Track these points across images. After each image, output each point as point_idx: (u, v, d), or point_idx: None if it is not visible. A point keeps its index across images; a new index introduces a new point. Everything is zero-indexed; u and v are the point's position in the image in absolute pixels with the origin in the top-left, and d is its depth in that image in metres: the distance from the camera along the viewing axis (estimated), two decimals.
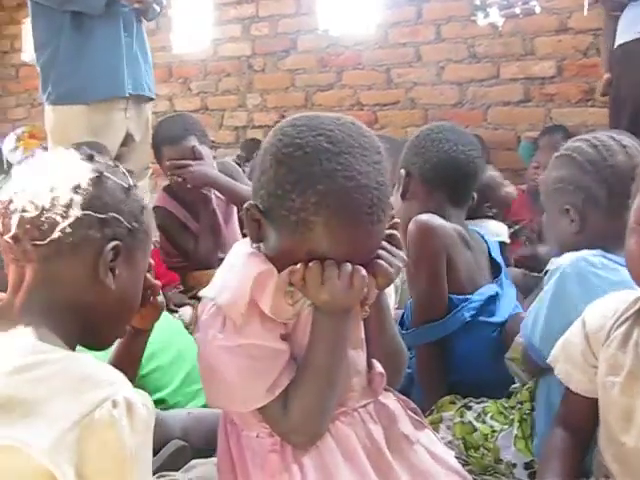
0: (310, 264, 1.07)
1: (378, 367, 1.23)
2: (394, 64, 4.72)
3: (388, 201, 1.11)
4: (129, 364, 1.28)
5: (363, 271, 1.07)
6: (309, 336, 1.14)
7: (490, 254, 1.98)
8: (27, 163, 1.09)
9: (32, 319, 0.98)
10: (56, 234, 0.98)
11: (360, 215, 1.06)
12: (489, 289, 1.87)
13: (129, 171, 1.14)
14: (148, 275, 1.21)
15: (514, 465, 1.59)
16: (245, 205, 1.13)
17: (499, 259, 1.99)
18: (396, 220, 1.17)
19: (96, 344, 1.13)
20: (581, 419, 1.28)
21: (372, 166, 1.08)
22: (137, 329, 1.27)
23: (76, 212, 0.99)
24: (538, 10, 4.29)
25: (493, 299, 1.86)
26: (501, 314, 1.87)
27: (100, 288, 1.03)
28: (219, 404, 1.20)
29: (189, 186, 2.70)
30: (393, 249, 1.13)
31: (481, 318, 1.83)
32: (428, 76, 4.62)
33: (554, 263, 1.48)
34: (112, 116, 3.01)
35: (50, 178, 1.01)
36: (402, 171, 1.97)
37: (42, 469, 0.84)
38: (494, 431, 1.63)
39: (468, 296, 1.82)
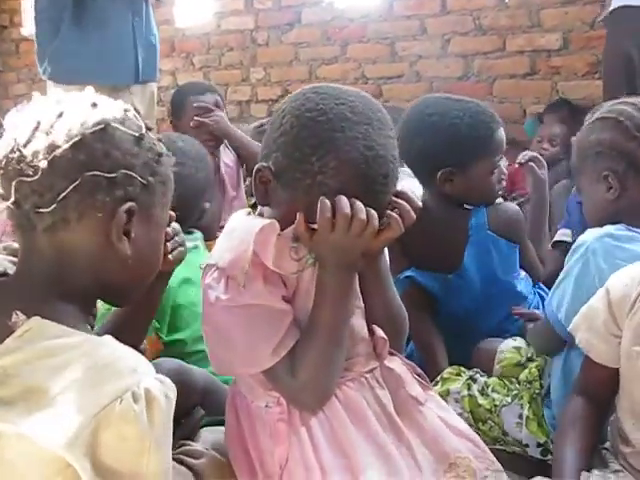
0: (322, 200, 1.06)
1: (379, 332, 1.25)
2: (399, 37, 4.67)
3: (398, 174, 1.15)
4: (147, 307, 1.27)
5: (375, 216, 1.07)
6: (314, 295, 1.14)
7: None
8: (21, 111, 0.96)
9: (46, 292, 0.92)
10: (60, 200, 0.87)
11: (375, 184, 1.09)
12: None
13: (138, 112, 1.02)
14: (169, 228, 1.17)
15: (526, 445, 1.60)
16: (256, 166, 1.13)
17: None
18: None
19: (118, 304, 1.11)
20: (600, 388, 1.28)
21: (388, 139, 1.12)
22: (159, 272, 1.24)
23: (80, 173, 0.88)
24: None
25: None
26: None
27: (116, 255, 0.94)
28: (225, 369, 1.21)
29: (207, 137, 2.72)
30: (404, 203, 1.13)
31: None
32: (433, 49, 4.57)
33: (578, 240, 1.46)
34: (116, 92, 2.98)
35: (49, 134, 0.89)
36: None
37: (59, 457, 0.82)
38: (496, 405, 1.64)
39: None
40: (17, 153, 0.89)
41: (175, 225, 1.22)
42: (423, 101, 1.95)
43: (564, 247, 2.14)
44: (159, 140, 1.02)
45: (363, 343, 1.23)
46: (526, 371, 1.67)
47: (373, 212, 1.07)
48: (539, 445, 1.58)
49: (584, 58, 4.16)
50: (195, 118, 2.75)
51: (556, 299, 1.47)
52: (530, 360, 1.70)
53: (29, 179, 0.87)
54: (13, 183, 0.88)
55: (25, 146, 0.89)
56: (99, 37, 2.88)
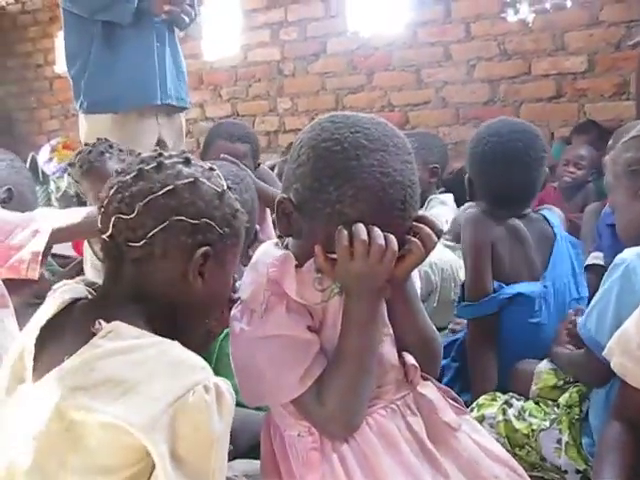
0: (339, 230, 1.08)
1: (410, 359, 1.24)
2: (424, 64, 4.70)
3: (418, 199, 1.15)
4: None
5: (394, 241, 1.08)
6: (341, 323, 1.14)
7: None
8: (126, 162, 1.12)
9: (126, 310, 1.02)
10: (149, 237, 1.01)
11: (393, 210, 1.09)
12: (527, 288, 1.90)
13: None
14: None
15: (565, 472, 1.57)
16: (277, 198, 1.15)
17: (560, 255, 2.00)
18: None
19: (186, 343, 1.16)
20: (638, 412, 1.26)
21: (405, 165, 1.11)
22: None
23: (169, 217, 1.01)
24: (569, 4, 4.25)
25: (532, 299, 1.89)
26: (540, 315, 1.91)
27: (189, 289, 1.05)
28: (253, 400, 1.21)
29: None
30: (426, 228, 1.13)
31: (523, 318, 1.89)
32: (458, 75, 4.60)
33: (616, 259, 1.44)
34: (144, 123, 3.05)
35: (149, 179, 1.04)
36: (466, 177, 2.07)
37: (138, 445, 0.90)
38: (533, 430, 1.62)
39: (504, 285, 1.91)
40: (120, 194, 1.03)
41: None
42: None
43: (596, 270, 2.13)
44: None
45: (393, 370, 1.23)
46: (566, 395, 1.64)
47: (392, 237, 1.07)
48: (578, 472, 1.56)
49: (610, 79, 4.15)
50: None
51: (594, 322, 1.45)
52: (567, 383, 1.68)
53: (126, 217, 1.02)
54: (112, 218, 1.03)
55: (127, 188, 1.04)
56: (125, 66, 2.97)
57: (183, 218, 1.02)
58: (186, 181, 1.04)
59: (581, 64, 4.24)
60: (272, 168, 3.62)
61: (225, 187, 1.10)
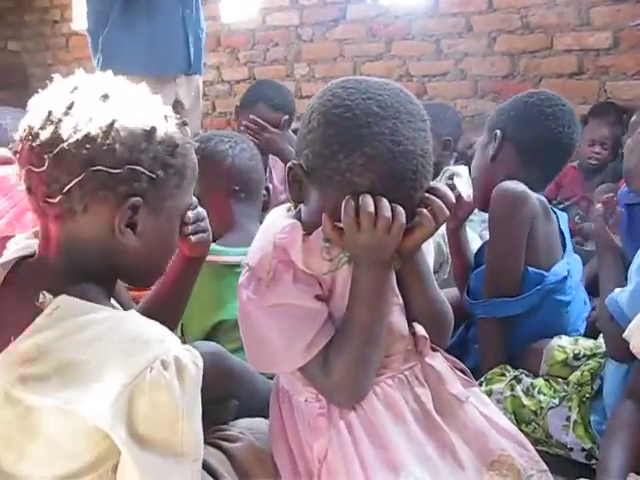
0: (346, 200, 1.05)
1: (420, 330, 1.23)
2: (444, 34, 4.63)
3: (431, 169, 1.12)
4: (180, 292, 1.31)
5: (402, 213, 1.06)
6: (349, 294, 1.13)
7: (560, 226, 1.94)
8: (41, 95, 0.96)
9: (67, 273, 0.94)
10: (65, 193, 0.89)
11: (404, 180, 1.07)
12: (562, 269, 1.84)
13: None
14: (192, 213, 1.19)
15: (571, 449, 1.57)
16: (288, 164, 1.13)
17: (567, 231, 1.96)
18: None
19: (137, 286, 1.14)
20: None
21: (418, 133, 1.09)
22: (188, 258, 1.28)
23: (84, 169, 0.89)
24: None
25: (565, 278, 1.83)
26: (570, 292, 1.86)
27: (123, 246, 0.96)
28: (260, 367, 1.22)
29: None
30: (438, 200, 1.11)
31: (554, 296, 1.81)
32: (479, 47, 4.53)
33: None
34: (162, 83, 3.01)
35: (57, 127, 0.90)
36: (498, 132, 1.90)
37: (96, 429, 0.85)
38: (542, 407, 1.61)
39: (544, 273, 1.79)
40: (29, 142, 0.91)
41: (200, 210, 1.24)
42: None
43: None
44: (181, 125, 1.02)
45: (403, 340, 1.22)
46: (578, 373, 1.63)
47: (400, 209, 1.05)
48: (583, 450, 1.55)
49: (634, 57, 4.07)
50: (245, 125, 2.75)
51: (626, 301, 1.41)
52: (577, 359, 1.67)
53: (37, 170, 0.89)
54: (24, 171, 0.92)
55: (36, 136, 0.91)
56: (149, 27, 2.92)
57: (101, 168, 0.89)
58: (102, 124, 0.90)
59: (605, 40, 4.16)
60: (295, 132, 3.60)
61: (157, 122, 0.96)
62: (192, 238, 1.22)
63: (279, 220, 1.20)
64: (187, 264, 1.30)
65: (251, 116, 2.76)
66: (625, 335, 1.27)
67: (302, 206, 1.19)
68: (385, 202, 1.05)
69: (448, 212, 1.11)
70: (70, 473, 0.89)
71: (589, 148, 3.53)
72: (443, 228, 2.17)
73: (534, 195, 1.79)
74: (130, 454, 0.85)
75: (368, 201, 1.04)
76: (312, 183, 1.11)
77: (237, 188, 1.77)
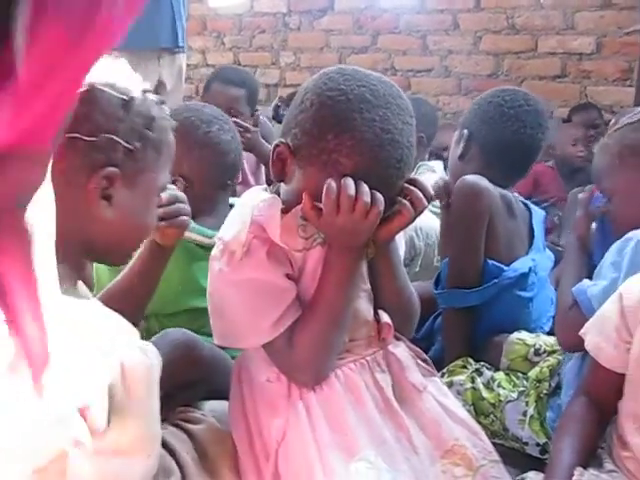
0: (328, 182, 1.07)
1: (385, 317, 1.25)
2: (431, 30, 4.65)
3: (412, 162, 1.15)
4: (147, 281, 1.29)
5: (380, 199, 1.08)
6: (320, 274, 1.15)
7: (531, 223, 1.97)
8: None
9: None
10: None
11: (388, 168, 1.10)
12: (523, 265, 1.86)
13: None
14: (167, 194, 1.18)
15: (525, 443, 1.60)
16: (275, 142, 1.15)
17: (538, 228, 1.98)
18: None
19: (109, 264, 1.11)
20: (605, 392, 1.26)
21: (406, 125, 1.12)
22: (158, 245, 1.27)
23: (59, 136, 0.88)
24: None
25: (526, 274, 1.86)
26: (533, 289, 1.88)
27: (99, 219, 0.93)
28: (224, 341, 1.22)
29: None
30: (417, 191, 1.14)
31: (514, 291, 1.84)
32: (464, 45, 4.55)
33: (626, 236, 1.41)
34: (145, 62, 2.99)
35: None
36: (465, 132, 1.94)
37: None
38: (500, 400, 1.64)
39: (504, 267, 1.82)
40: None
41: (177, 193, 1.24)
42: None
43: None
44: (159, 103, 1.00)
45: (367, 326, 1.25)
46: (537, 369, 1.66)
47: (379, 195, 1.08)
48: (538, 445, 1.59)
49: (616, 64, 4.12)
50: None
51: (600, 293, 1.41)
52: (537, 354, 1.70)
53: None
54: None
55: None
56: None
57: (76, 135, 0.87)
58: (80, 89, 0.88)
59: (589, 45, 4.20)
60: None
61: (134, 94, 0.94)
62: (168, 222, 1.21)
63: (257, 196, 1.21)
64: (156, 253, 1.28)
65: (233, 119, 2.75)
66: (581, 332, 1.30)
67: (282, 185, 1.20)
68: (365, 187, 1.07)
69: (426, 203, 1.15)
70: None
71: (573, 148, 3.53)
72: (417, 222, 2.20)
73: (498, 191, 1.81)
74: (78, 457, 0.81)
75: (350, 184, 1.06)
76: (297, 162, 1.13)
77: (229, 182, 1.76)
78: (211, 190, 1.71)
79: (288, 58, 5.19)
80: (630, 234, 1.40)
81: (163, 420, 1.24)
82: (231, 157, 1.74)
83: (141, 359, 0.86)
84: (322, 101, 1.11)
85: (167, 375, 1.25)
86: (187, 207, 1.27)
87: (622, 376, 1.22)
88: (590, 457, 1.23)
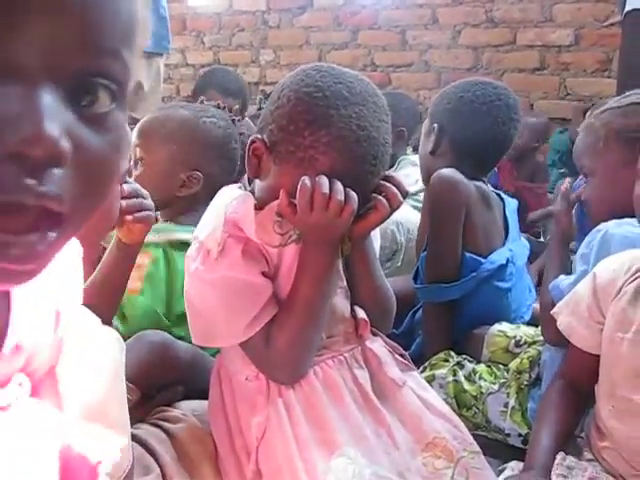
0: (302, 180, 1.08)
1: (362, 313, 1.26)
2: (410, 25, 4.66)
3: (388, 160, 1.16)
4: (117, 280, 1.29)
5: (354, 197, 1.09)
6: (295, 271, 1.15)
7: (504, 213, 1.96)
8: None
9: None
10: None
11: (364, 164, 1.11)
12: (502, 256, 1.86)
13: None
14: (128, 186, 1.19)
15: (508, 434, 1.60)
16: (250, 138, 1.15)
17: (512, 218, 1.98)
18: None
19: None
20: (581, 374, 1.27)
21: (381, 123, 1.13)
22: (125, 244, 1.27)
23: None
24: None
25: (504, 265, 1.86)
26: (511, 279, 1.88)
27: None
28: (202, 340, 1.22)
29: None
30: (392, 187, 1.15)
31: (493, 283, 1.83)
32: (444, 39, 4.57)
33: (598, 227, 1.41)
34: None
35: None
36: (435, 126, 1.92)
37: None
38: (482, 392, 1.65)
39: (481, 259, 1.81)
40: None
41: (137, 186, 1.24)
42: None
43: None
44: None
45: (344, 322, 1.25)
46: (517, 360, 1.67)
47: (353, 194, 1.08)
48: (520, 435, 1.59)
49: (594, 55, 4.15)
50: None
51: (572, 283, 1.43)
52: (518, 346, 1.71)
53: None
54: None
55: None
56: None
57: None
58: None
59: (567, 37, 4.22)
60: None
61: None
62: (133, 216, 1.22)
63: (230, 194, 1.21)
64: (122, 252, 1.28)
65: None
66: (553, 312, 1.31)
67: (256, 182, 1.20)
68: (340, 185, 1.08)
69: (402, 199, 1.16)
70: None
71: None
72: (397, 217, 2.20)
73: (472, 183, 1.82)
74: None
75: (324, 182, 1.07)
76: (273, 158, 1.14)
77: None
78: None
79: (268, 56, 5.19)
80: (600, 226, 1.41)
81: (141, 420, 1.25)
82: (237, 163, 1.73)
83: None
84: (299, 97, 1.11)
85: (145, 376, 1.25)
86: (150, 202, 1.26)
87: (597, 357, 1.22)
88: (569, 442, 1.24)
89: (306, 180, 1.07)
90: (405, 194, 1.18)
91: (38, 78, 0.43)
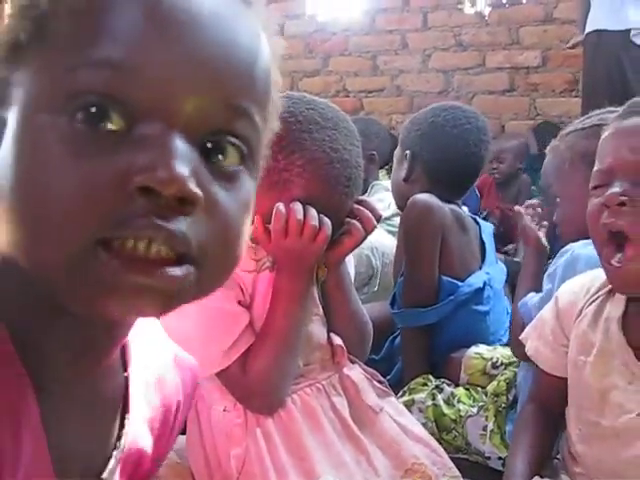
0: (277, 207, 1.09)
1: (338, 340, 1.26)
2: (380, 51, 4.72)
3: (361, 183, 1.18)
4: None
5: (328, 223, 1.10)
6: (270, 298, 1.15)
7: (481, 236, 1.97)
8: None
9: None
10: None
11: (338, 186, 1.12)
12: (478, 279, 1.86)
13: None
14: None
15: (488, 457, 1.60)
16: None
17: (489, 241, 1.99)
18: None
19: None
20: (550, 396, 1.27)
21: (353, 147, 1.16)
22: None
23: None
24: (525, 0, 4.30)
25: (481, 288, 1.86)
26: (489, 302, 1.88)
27: None
28: None
29: None
30: (366, 211, 1.17)
31: (470, 306, 1.84)
32: (414, 63, 4.62)
33: (566, 247, 1.42)
34: None
35: None
36: (407, 152, 1.93)
37: None
38: (461, 416, 1.65)
39: (459, 283, 1.81)
40: None
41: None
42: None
43: None
44: None
45: (320, 350, 1.25)
46: (494, 383, 1.67)
47: (326, 220, 1.10)
48: (500, 458, 1.59)
49: (562, 76, 4.22)
50: None
51: (538, 302, 1.44)
52: (495, 367, 1.71)
53: None
54: None
55: None
56: None
57: None
58: None
59: (535, 59, 4.29)
60: None
61: None
62: None
63: None
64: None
65: None
66: (521, 337, 1.32)
67: None
68: (313, 211, 1.09)
69: (376, 223, 1.18)
70: None
71: (489, 165, 3.57)
72: (372, 242, 2.21)
73: (447, 206, 1.83)
74: None
75: (298, 208, 1.08)
76: None
77: None
78: None
79: None
80: (568, 246, 1.43)
81: None
82: None
83: None
84: None
85: None
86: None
87: (565, 380, 1.22)
88: (546, 465, 1.24)
89: (280, 206, 1.08)
90: (379, 218, 1.19)
91: (176, 125, 0.47)
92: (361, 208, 1.17)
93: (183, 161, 0.45)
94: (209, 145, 0.49)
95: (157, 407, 0.69)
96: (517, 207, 1.81)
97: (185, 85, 0.47)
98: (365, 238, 1.18)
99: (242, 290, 1.17)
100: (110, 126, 0.46)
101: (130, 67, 0.45)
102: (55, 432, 0.53)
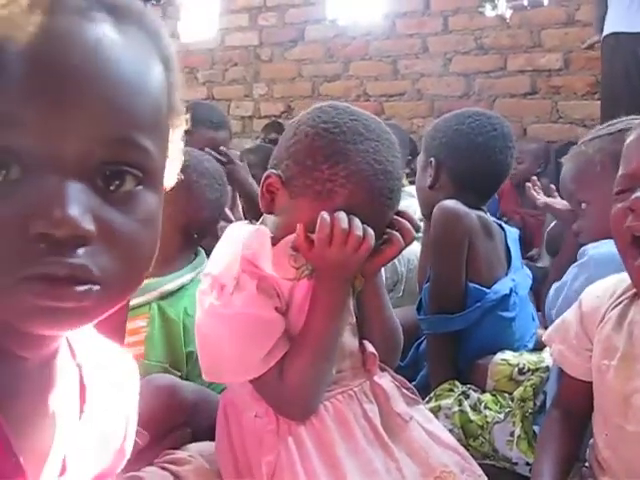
0: (322, 215, 1.09)
1: (370, 348, 1.26)
2: (401, 55, 4.72)
3: (400, 194, 1.18)
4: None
5: (371, 234, 1.10)
6: (308, 306, 1.16)
7: (506, 242, 1.96)
8: None
9: None
10: None
11: (381, 197, 1.13)
12: (504, 286, 1.85)
13: None
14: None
15: (515, 463, 1.60)
16: (265, 173, 1.17)
17: (514, 247, 1.98)
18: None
19: None
20: (576, 402, 1.27)
21: (395, 158, 1.16)
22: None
23: None
24: (546, 2, 4.28)
25: (508, 295, 1.86)
26: (515, 308, 1.87)
27: None
28: (214, 376, 1.22)
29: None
30: (406, 222, 1.17)
31: (497, 313, 1.83)
32: (435, 67, 4.62)
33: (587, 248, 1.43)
34: None
35: None
36: (432, 160, 1.93)
37: None
38: (488, 422, 1.64)
39: (485, 290, 1.81)
40: None
41: None
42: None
43: None
44: None
45: (352, 358, 1.25)
46: (521, 389, 1.67)
47: (370, 230, 1.10)
48: (527, 464, 1.59)
49: (584, 78, 4.20)
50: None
51: (562, 306, 1.44)
52: (522, 373, 1.71)
53: None
54: None
55: None
56: None
57: None
58: None
59: (556, 61, 4.28)
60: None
61: None
62: None
63: (243, 229, 1.22)
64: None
65: (221, 148, 2.75)
66: (545, 340, 1.32)
67: (269, 217, 1.22)
68: (358, 221, 1.09)
69: (415, 233, 1.18)
70: None
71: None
72: None
73: (474, 212, 1.83)
74: None
75: (343, 217, 1.08)
76: (289, 193, 1.15)
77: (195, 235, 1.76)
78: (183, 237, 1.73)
79: (261, 89, 5.24)
80: (587, 246, 1.42)
81: (150, 464, 1.25)
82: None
83: None
84: (317, 132, 1.14)
85: (153, 420, 1.25)
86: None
87: (590, 384, 1.21)
88: (574, 472, 1.23)
89: (325, 215, 1.09)
90: (417, 228, 1.20)
91: (64, 168, 0.52)
92: (400, 219, 1.17)
93: (73, 202, 0.50)
94: (108, 173, 0.54)
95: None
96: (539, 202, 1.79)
97: (66, 131, 0.51)
98: (405, 248, 1.19)
99: (279, 297, 1.18)
100: (9, 176, 0.51)
101: (18, 122, 0.50)
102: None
